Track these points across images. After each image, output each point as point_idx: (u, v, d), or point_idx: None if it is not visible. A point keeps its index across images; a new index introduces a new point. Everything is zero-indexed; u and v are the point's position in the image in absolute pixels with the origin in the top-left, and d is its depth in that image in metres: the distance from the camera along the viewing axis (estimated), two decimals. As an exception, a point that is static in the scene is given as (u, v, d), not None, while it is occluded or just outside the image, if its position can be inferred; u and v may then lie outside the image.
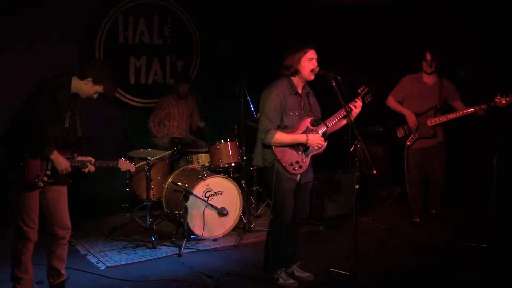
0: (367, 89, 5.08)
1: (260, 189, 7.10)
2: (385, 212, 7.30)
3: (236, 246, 5.97)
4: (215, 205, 6.16)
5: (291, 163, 4.79)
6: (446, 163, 6.80)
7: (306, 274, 5.26)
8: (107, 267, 5.43)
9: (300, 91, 4.91)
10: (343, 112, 4.91)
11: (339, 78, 4.99)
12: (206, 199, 6.04)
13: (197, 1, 7.30)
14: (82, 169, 4.49)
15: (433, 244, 6.31)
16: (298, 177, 4.93)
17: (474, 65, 6.76)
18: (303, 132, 4.84)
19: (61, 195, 4.52)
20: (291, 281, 5.11)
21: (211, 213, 6.17)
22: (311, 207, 6.88)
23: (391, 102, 6.85)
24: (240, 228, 6.48)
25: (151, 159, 6.21)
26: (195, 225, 5.96)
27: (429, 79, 6.70)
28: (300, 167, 4.84)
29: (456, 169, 7.45)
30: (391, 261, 5.76)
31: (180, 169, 6.48)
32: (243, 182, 6.72)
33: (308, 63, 4.81)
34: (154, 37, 7.20)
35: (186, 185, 6.13)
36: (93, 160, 4.53)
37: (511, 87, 6.30)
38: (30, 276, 4.49)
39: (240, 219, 6.52)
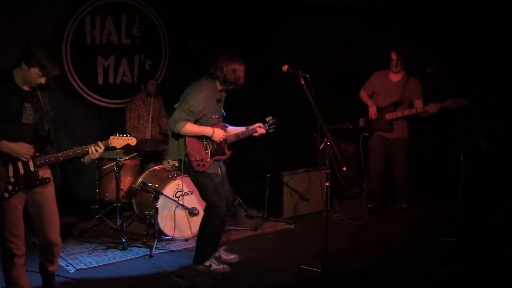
0: (273, 120, 5.53)
1: (231, 189, 7.05)
2: (356, 208, 7.33)
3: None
4: (186, 205, 6.14)
5: (196, 159, 5.03)
6: (407, 160, 6.99)
7: (232, 256, 5.59)
8: (77, 269, 5.37)
9: (219, 96, 5.22)
10: (246, 132, 5.44)
11: (308, 76, 5.11)
12: (176, 199, 6.02)
13: (166, 0, 7.25)
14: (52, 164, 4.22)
15: (404, 239, 6.39)
16: (218, 170, 5.29)
17: (442, 63, 6.83)
18: None
19: (45, 198, 4.21)
20: (224, 265, 5.40)
21: (181, 213, 6.15)
22: (282, 205, 6.99)
23: (362, 94, 7.13)
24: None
25: (120, 159, 6.18)
26: (166, 225, 5.94)
27: (394, 77, 6.92)
28: (203, 165, 5.10)
29: (425, 165, 7.55)
30: (363, 257, 5.80)
31: (150, 170, 6.44)
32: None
33: (232, 75, 5.05)
34: (122, 37, 7.13)
35: (156, 185, 6.10)
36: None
37: (477, 84, 6.44)
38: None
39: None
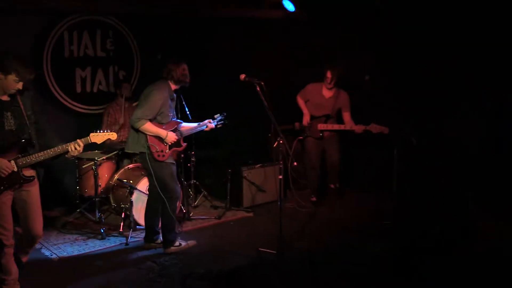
0: (220, 117, 5.76)
1: (197, 183, 6.99)
2: (305, 198, 7.29)
3: (176, 233, 5.84)
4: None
5: (157, 150, 5.08)
6: (340, 150, 6.97)
7: (190, 242, 5.56)
8: (60, 258, 5.24)
9: (173, 96, 5.31)
10: (198, 127, 5.62)
11: (262, 83, 5.12)
12: (148, 193, 5.87)
13: (135, 17, 7.12)
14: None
15: (346, 224, 6.40)
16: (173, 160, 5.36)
17: (378, 71, 6.82)
18: (171, 130, 5.26)
19: (31, 196, 4.11)
20: (189, 241, 5.53)
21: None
22: (242, 196, 6.93)
23: (299, 100, 7.05)
24: (180, 217, 6.34)
25: (98, 159, 6.05)
26: (140, 216, 5.79)
27: (327, 93, 6.88)
28: (163, 156, 5.15)
29: (361, 159, 7.59)
30: (312, 239, 5.83)
31: (125, 168, 6.31)
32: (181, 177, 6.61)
33: (183, 74, 5.22)
34: (97, 50, 6.98)
35: (131, 181, 5.97)
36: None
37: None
38: (14, 276, 4.15)
39: (180, 210, 6.37)
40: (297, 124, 7.06)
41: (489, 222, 5.92)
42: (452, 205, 6.28)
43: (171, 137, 5.19)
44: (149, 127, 5.05)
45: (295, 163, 5.58)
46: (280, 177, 5.50)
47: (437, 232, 5.60)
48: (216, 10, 7.01)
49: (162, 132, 5.14)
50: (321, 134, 6.89)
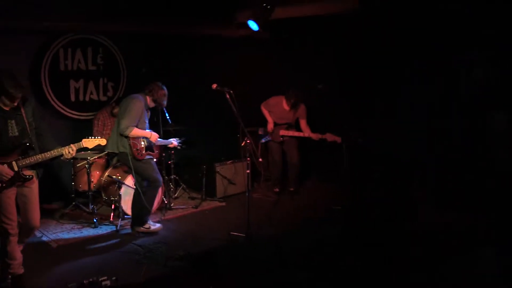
0: (181, 141, 6.03)
1: (177, 177, 7.08)
2: (269, 188, 7.40)
3: (159, 221, 5.97)
4: (143, 191, 6.10)
5: (137, 148, 5.29)
6: (299, 153, 7.08)
7: (158, 225, 5.71)
8: (59, 245, 5.30)
9: (149, 107, 5.54)
10: (165, 141, 5.88)
11: (232, 92, 5.21)
12: (134, 187, 5.97)
13: (123, 36, 7.15)
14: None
15: (306, 210, 6.53)
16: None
17: (329, 81, 6.98)
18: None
19: (31, 193, 4.16)
20: (157, 225, 5.69)
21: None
22: (216, 188, 7.05)
23: (263, 110, 7.13)
24: (162, 207, 6.41)
25: (90, 159, 6.11)
26: (128, 207, 5.86)
27: (287, 107, 6.99)
28: (142, 155, 5.35)
29: (317, 155, 7.71)
30: (276, 224, 5.93)
31: (114, 165, 6.36)
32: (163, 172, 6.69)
33: (162, 98, 5.49)
34: (89, 64, 6.99)
35: (119, 177, 6.04)
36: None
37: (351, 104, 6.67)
38: (18, 261, 4.21)
39: (162, 201, 6.47)
40: (261, 130, 7.16)
41: (431, 208, 5.90)
42: (394, 193, 6.39)
43: (155, 135, 5.46)
44: (137, 132, 5.31)
45: (260, 159, 5.72)
46: (248, 171, 5.61)
47: (378, 215, 5.75)
48: (192, 29, 7.01)
49: (147, 133, 5.41)
50: (281, 139, 7.04)
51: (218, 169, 7.07)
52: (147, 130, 5.47)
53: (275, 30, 7.24)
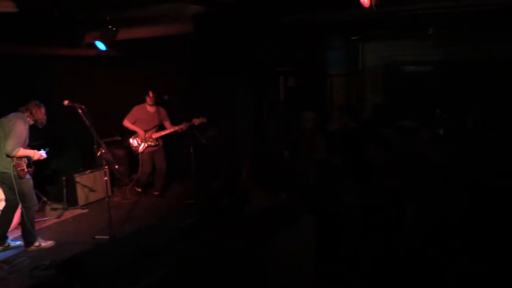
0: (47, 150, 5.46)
1: (37, 191, 6.50)
2: (128, 192, 7.25)
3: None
4: None
5: (21, 168, 4.94)
6: (165, 160, 7.07)
7: (49, 242, 5.31)
8: None
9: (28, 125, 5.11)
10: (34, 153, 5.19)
11: (83, 107, 5.07)
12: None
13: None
14: None
15: (163, 207, 6.55)
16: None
17: (176, 93, 7.02)
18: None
19: None
20: (48, 241, 5.26)
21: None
22: (77, 197, 6.69)
23: (127, 123, 6.90)
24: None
25: None
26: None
27: (151, 109, 6.91)
28: (25, 173, 5.01)
29: (174, 156, 7.79)
30: (136, 222, 5.88)
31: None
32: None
33: (42, 117, 5.15)
34: None
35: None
36: None
37: (200, 102, 6.88)
38: None
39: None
40: (132, 142, 6.91)
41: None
42: (234, 183, 6.78)
43: (38, 154, 5.12)
44: (23, 152, 4.94)
45: (116, 166, 5.60)
46: (106, 178, 5.52)
47: (226, 204, 6.02)
48: (42, 50, 6.60)
49: (30, 152, 5.05)
50: (157, 142, 6.91)
51: (77, 179, 6.74)
52: (31, 150, 5.09)
53: (122, 49, 7.11)
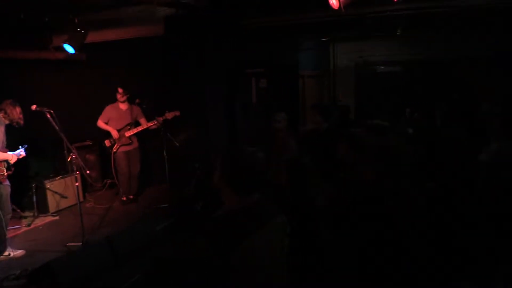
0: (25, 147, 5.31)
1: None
2: (101, 197, 7.17)
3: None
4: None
5: (1, 173, 4.88)
6: (141, 161, 6.99)
7: (19, 251, 5.17)
8: None
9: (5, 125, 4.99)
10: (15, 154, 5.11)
11: (52, 112, 4.97)
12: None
13: None
14: None
15: (137, 211, 6.49)
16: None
17: (147, 95, 6.96)
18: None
19: None
20: (19, 251, 5.13)
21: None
22: (48, 204, 6.53)
23: (100, 123, 6.76)
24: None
25: None
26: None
27: (123, 106, 6.80)
28: (4, 178, 4.95)
29: (148, 161, 7.73)
30: (110, 227, 5.80)
31: None
32: None
33: (19, 116, 5.02)
34: None
35: None
36: None
37: (172, 105, 6.84)
38: None
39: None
40: (107, 142, 6.73)
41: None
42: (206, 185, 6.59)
43: (14, 158, 5.01)
44: (1, 156, 4.87)
45: (88, 171, 5.51)
46: (77, 184, 5.41)
47: (200, 206, 5.99)
48: (7, 53, 6.42)
49: (8, 155, 4.94)
50: (130, 141, 6.77)
51: (48, 185, 6.58)
52: (9, 153, 4.96)
53: (91, 51, 6.99)
